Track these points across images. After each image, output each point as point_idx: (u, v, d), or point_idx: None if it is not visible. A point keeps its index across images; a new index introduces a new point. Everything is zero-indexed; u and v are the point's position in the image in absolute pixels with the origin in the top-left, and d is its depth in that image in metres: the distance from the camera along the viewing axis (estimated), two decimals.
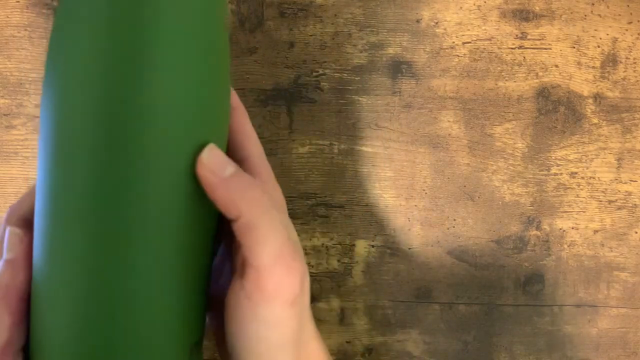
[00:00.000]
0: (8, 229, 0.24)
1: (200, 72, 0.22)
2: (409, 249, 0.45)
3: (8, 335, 0.23)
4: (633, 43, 0.43)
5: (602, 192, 0.45)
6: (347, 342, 0.45)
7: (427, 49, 0.43)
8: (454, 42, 0.43)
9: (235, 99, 0.28)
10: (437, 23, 0.42)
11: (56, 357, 0.22)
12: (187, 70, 0.21)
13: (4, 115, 0.43)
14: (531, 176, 0.44)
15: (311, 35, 0.42)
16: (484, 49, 0.43)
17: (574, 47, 0.43)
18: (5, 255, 0.23)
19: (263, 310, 0.23)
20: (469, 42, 0.43)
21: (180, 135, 0.22)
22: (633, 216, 0.45)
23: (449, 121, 0.43)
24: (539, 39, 0.43)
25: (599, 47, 0.43)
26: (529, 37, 0.43)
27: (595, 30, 0.43)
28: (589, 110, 0.44)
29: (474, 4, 0.42)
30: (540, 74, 0.43)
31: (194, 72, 0.22)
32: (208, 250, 0.24)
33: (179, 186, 0.22)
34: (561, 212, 0.45)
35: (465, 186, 0.44)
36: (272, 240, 0.23)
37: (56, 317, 0.22)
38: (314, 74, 0.43)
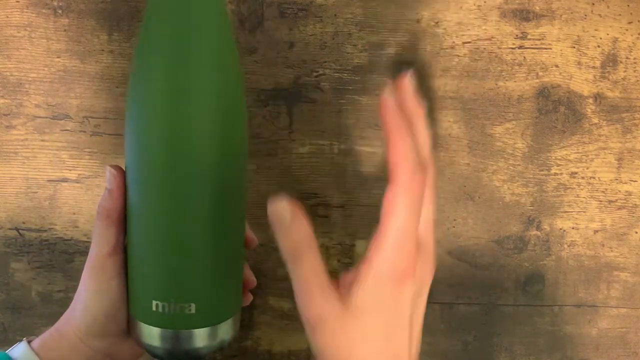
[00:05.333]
0: (107, 169, 0.33)
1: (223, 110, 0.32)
2: None
3: (115, 239, 0.33)
4: (633, 43, 0.43)
5: (602, 192, 0.45)
6: None
7: (427, 49, 0.43)
8: (454, 42, 0.43)
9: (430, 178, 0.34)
10: (437, 23, 0.42)
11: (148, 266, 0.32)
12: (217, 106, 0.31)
13: (4, 115, 0.43)
14: (531, 176, 0.44)
15: (311, 35, 0.42)
16: (484, 48, 0.43)
17: (574, 47, 0.43)
18: (107, 186, 0.33)
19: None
20: (469, 42, 0.43)
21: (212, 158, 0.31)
22: (633, 216, 0.45)
23: (449, 121, 0.43)
24: (539, 39, 0.43)
25: (599, 47, 0.43)
26: (529, 37, 0.43)
27: (596, 30, 0.43)
28: (589, 110, 0.44)
29: (474, 4, 0.42)
30: (541, 74, 0.43)
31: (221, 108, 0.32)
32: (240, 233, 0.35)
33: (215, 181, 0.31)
34: (561, 212, 0.45)
35: (465, 186, 0.44)
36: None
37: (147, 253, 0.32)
38: (314, 74, 0.43)
